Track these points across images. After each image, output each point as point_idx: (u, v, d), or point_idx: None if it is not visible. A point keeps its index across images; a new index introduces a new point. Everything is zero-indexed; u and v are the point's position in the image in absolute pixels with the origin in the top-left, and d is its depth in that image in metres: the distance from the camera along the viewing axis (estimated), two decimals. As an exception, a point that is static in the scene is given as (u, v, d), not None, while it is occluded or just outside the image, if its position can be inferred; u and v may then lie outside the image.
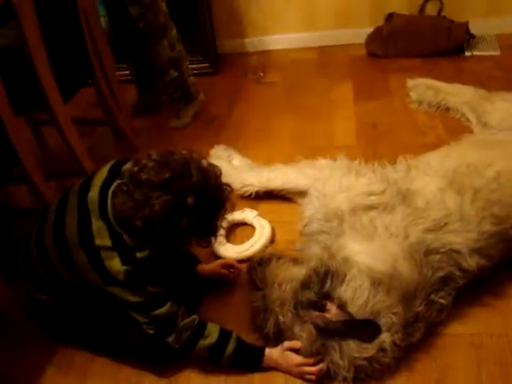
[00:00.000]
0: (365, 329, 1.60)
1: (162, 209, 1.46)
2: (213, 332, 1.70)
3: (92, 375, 1.85)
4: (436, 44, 3.62)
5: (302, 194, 2.30)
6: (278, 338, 1.75)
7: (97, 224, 1.58)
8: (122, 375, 1.83)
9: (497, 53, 3.62)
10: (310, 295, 1.69)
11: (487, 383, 1.63)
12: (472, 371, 1.67)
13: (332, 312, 1.66)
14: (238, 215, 2.37)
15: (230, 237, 2.34)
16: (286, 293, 1.75)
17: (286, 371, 1.73)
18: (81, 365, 1.88)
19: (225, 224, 1.89)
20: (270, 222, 2.33)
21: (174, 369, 1.80)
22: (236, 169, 2.59)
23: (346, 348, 1.60)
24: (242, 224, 2.39)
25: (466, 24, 3.63)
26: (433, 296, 1.74)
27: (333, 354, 1.62)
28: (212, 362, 1.73)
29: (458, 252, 1.77)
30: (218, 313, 1.94)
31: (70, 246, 1.61)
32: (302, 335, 1.67)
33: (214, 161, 2.27)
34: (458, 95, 2.96)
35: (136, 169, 1.51)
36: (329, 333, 1.62)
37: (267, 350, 1.73)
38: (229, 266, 2.08)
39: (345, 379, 1.63)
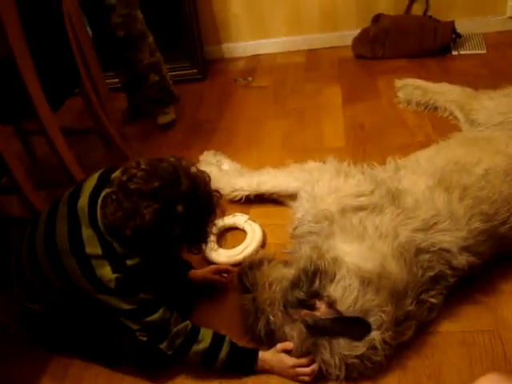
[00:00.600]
0: (354, 326, 1.60)
1: (152, 218, 1.46)
2: (206, 337, 1.69)
3: (86, 384, 1.85)
4: (422, 44, 3.63)
5: (293, 196, 2.30)
6: (269, 338, 1.76)
7: (87, 232, 1.58)
8: (116, 383, 1.82)
9: (483, 51, 3.63)
10: (299, 294, 1.69)
11: (480, 380, 1.64)
12: (464, 368, 1.68)
13: (321, 310, 1.66)
14: (228, 220, 2.37)
15: (221, 242, 2.33)
16: (275, 293, 1.76)
17: (280, 373, 1.73)
18: (75, 374, 1.88)
19: (215, 229, 1.89)
20: (261, 225, 2.33)
21: (168, 375, 1.80)
22: (226, 174, 2.59)
23: (336, 346, 1.60)
24: (234, 228, 2.39)
25: (452, 23, 3.64)
26: (423, 295, 1.74)
27: (323, 353, 1.62)
28: (206, 366, 1.72)
29: (447, 251, 1.78)
30: (210, 318, 1.95)
31: (61, 254, 1.61)
32: (293, 334, 1.68)
33: (204, 167, 2.28)
34: (446, 94, 2.98)
35: (125, 178, 1.51)
36: (318, 330, 1.63)
37: (260, 353, 1.73)
38: (221, 271, 2.08)
39: (337, 378, 1.64)
